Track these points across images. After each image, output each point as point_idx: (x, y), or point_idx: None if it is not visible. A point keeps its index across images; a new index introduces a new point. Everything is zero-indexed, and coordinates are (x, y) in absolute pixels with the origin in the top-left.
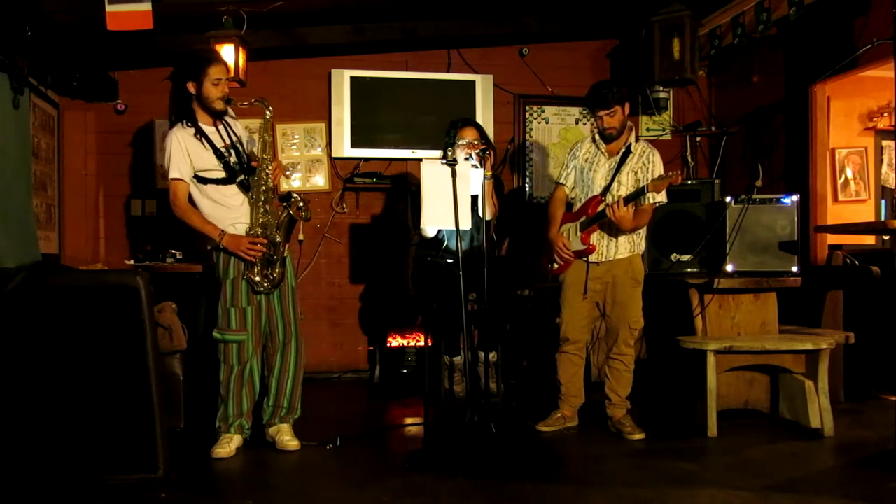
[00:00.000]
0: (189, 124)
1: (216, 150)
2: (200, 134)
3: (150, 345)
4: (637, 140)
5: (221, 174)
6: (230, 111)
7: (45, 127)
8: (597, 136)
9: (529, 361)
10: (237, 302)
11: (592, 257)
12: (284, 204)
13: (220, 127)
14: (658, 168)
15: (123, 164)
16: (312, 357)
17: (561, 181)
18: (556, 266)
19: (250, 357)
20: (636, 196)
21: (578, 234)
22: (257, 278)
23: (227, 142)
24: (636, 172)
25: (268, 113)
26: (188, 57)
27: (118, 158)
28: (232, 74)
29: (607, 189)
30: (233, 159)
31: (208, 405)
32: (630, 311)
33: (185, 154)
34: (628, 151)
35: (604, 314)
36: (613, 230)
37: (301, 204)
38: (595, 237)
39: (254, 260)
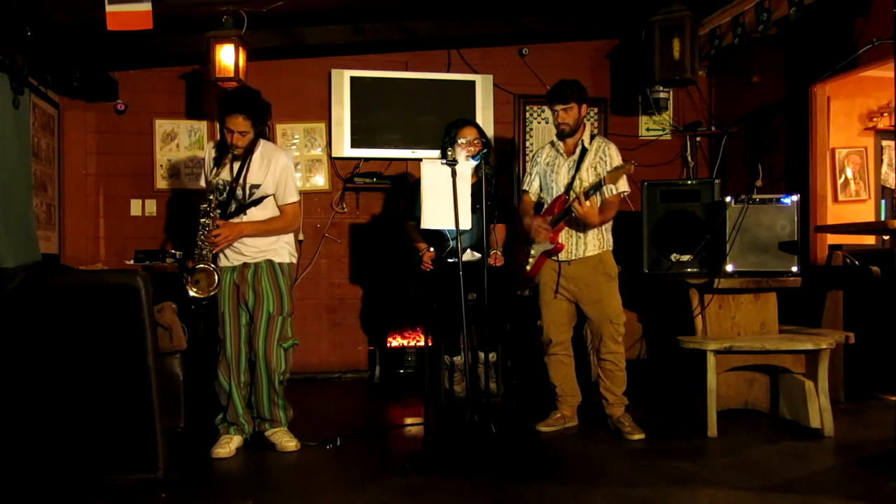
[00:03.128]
0: (218, 147)
1: (211, 182)
2: (217, 159)
3: (150, 345)
4: (592, 138)
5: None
6: (283, 160)
7: (45, 127)
8: (555, 139)
9: (528, 361)
10: (219, 307)
11: (562, 256)
12: (185, 274)
13: (237, 165)
14: (615, 160)
15: (123, 164)
16: (312, 357)
17: (525, 188)
18: (528, 268)
19: (220, 360)
20: (595, 189)
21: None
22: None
23: (232, 178)
24: (595, 167)
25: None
26: (220, 97)
27: (118, 158)
28: (247, 128)
29: (570, 187)
30: (221, 196)
31: (208, 405)
32: (608, 306)
33: (205, 164)
34: (584, 149)
35: (584, 315)
36: (581, 227)
37: (206, 292)
38: (563, 236)
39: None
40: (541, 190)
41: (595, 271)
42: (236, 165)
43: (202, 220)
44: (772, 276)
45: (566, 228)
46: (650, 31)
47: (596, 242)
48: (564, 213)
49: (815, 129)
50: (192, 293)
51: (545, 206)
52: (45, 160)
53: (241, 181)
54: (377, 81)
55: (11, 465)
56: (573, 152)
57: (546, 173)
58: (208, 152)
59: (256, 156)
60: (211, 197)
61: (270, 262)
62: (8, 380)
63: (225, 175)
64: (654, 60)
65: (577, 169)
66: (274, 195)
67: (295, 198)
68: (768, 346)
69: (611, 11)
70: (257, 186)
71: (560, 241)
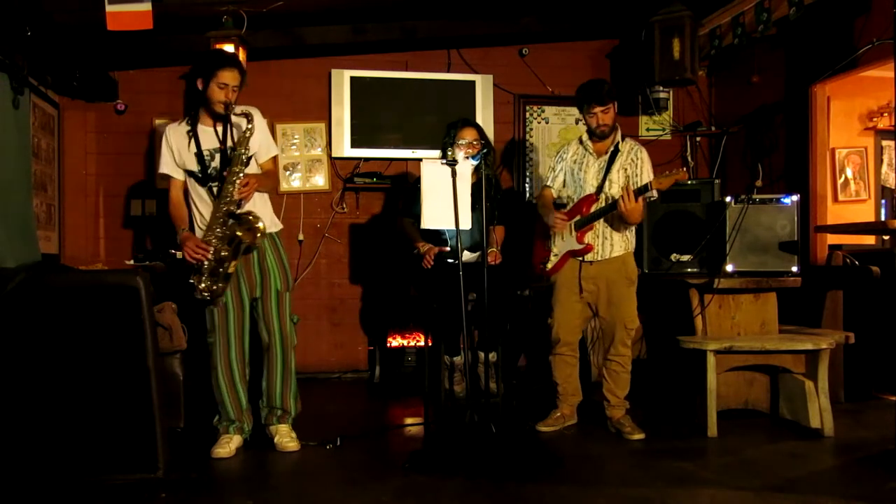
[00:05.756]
0: (187, 122)
1: (199, 152)
2: (193, 133)
3: (150, 345)
4: (623, 139)
5: (200, 174)
6: (257, 116)
7: (45, 127)
8: (584, 137)
9: (529, 361)
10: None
11: (587, 256)
12: (234, 222)
13: (220, 129)
14: (647, 164)
15: (123, 164)
16: (312, 357)
17: (548, 184)
18: (549, 267)
19: (219, 359)
20: (644, 191)
21: (573, 233)
22: (201, 286)
23: (220, 145)
24: (626, 169)
25: (248, 128)
26: (205, 54)
27: (118, 158)
28: (238, 82)
29: (600, 188)
30: (214, 163)
31: (208, 405)
32: (624, 311)
33: (170, 151)
34: (617, 150)
35: (597, 314)
36: (610, 228)
37: (259, 225)
38: (590, 236)
39: (193, 262)
40: (564, 187)
41: (618, 274)
42: (219, 129)
43: (234, 176)
44: (772, 276)
45: (593, 229)
46: (650, 31)
47: (622, 243)
48: (598, 214)
49: (815, 129)
50: (251, 238)
51: (569, 206)
52: (45, 160)
53: (228, 143)
54: (377, 81)
55: (12, 464)
56: (605, 153)
57: (573, 171)
58: (173, 132)
59: (233, 116)
60: (244, 156)
61: (270, 234)
62: (8, 380)
63: (209, 143)
64: (654, 60)
65: (608, 170)
66: (256, 152)
67: (276, 150)
68: (768, 346)
69: (611, 11)
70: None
71: (588, 242)
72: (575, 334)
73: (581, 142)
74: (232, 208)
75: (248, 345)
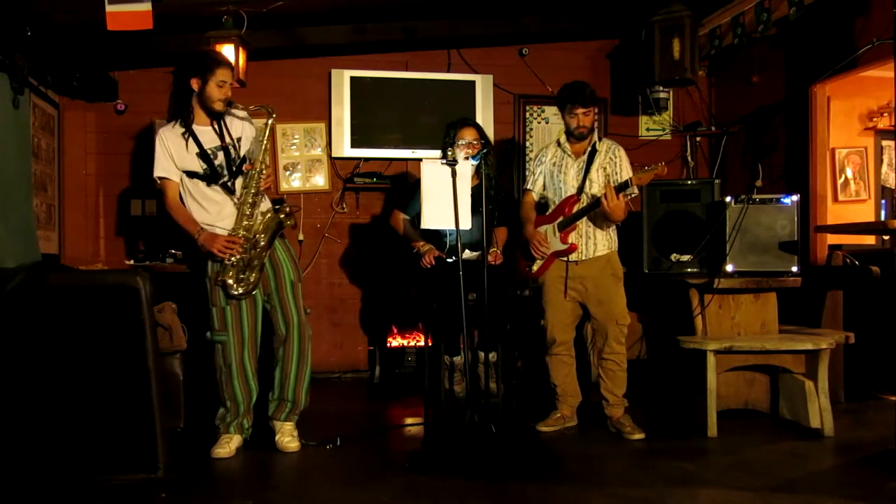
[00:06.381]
0: (181, 123)
1: (202, 152)
2: (189, 134)
3: (150, 345)
4: (600, 140)
5: (207, 173)
6: (243, 113)
7: (45, 127)
8: (562, 140)
9: (528, 361)
10: (216, 300)
11: (572, 256)
12: (276, 208)
13: (216, 126)
14: (625, 161)
15: (123, 164)
16: (313, 357)
17: (528, 187)
18: (535, 268)
19: (234, 357)
20: (624, 187)
21: (557, 234)
22: (230, 281)
23: (220, 142)
24: (605, 168)
25: (269, 120)
26: (198, 55)
27: (118, 158)
28: (235, 78)
29: (581, 188)
30: (218, 161)
31: (208, 405)
32: (615, 307)
33: (168, 154)
34: (594, 150)
35: (589, 315)
36: (593, 227)
37: (288, 210)
38: (573, 236)
39: (226, 258)
40: (544, 189)
41: (603, 272)
42: (216, 127)
43: (262, 165)
44: (772, 276)
45: (576, 229)
46: (650, 31)
47: (606, 242)
48: (581, 213)
49: (815, 129)
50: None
51: (551, 208)
52: (45, 160)
53: (227, 139)
54: (377, 81)
55: (12, 464)
56: (582, 154)
57: (553, 173)
58: (169, 135)
59: (243, 111)
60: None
61: None
62: (8, 380)
63: (210, 142)
64: (654, 60)
65: (587, 170)
66: (253, 150)
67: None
68: (768, 346)
69: (611, 11)
70: (240, 139)
71: (572, 242)
72: (569, 332)
73: (559, 144)
74: (258, 199)
75: (259, 342)
